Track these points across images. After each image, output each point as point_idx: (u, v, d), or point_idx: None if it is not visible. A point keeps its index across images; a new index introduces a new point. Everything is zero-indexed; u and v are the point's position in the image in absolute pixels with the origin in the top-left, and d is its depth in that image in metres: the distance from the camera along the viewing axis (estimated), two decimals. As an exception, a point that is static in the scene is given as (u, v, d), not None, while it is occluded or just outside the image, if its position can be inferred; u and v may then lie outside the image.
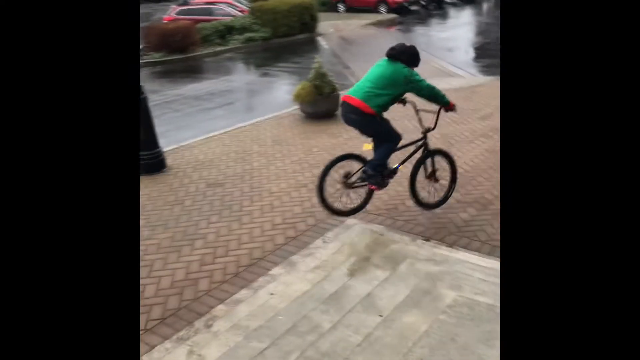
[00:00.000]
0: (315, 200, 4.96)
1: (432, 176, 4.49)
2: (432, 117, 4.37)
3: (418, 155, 4.45)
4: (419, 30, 20.14)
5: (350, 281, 3.51)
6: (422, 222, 4.42)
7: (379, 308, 3.20)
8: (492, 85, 9.43)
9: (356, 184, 4.29)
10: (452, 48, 15.12)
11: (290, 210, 4.80)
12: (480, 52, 14.67)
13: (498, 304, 3.14)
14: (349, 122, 4.13)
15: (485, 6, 28.47)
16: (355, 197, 4.40)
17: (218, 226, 4.59)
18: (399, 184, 5.22)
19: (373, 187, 4.30)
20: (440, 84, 9.07)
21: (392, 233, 4.20)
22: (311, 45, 17.10)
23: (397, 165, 4.41)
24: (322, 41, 17.77)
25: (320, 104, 7.72)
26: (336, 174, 4.25)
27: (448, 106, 4.22)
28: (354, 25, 21.19)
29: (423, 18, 23.71)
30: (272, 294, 3.44)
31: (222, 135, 7.40)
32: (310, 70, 7.94)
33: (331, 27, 20.14)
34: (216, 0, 20.11)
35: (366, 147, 5.17)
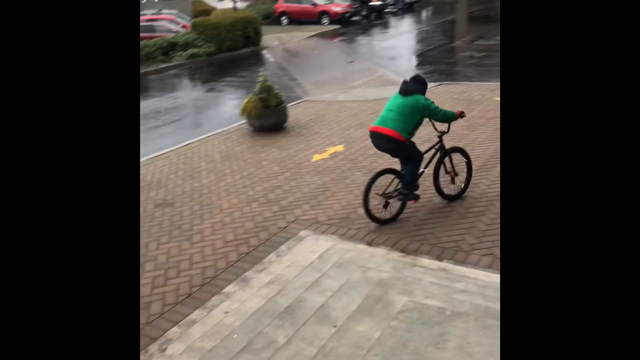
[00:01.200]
0: (267, 214, 4.96)
1: (452, 171, 4.94)
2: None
3: (437, 156, 4.87)
4: (362, 40, 20.53)
5: (304, 294, 3.53)
6: (372, 229, 4.50)
7: (333, 319, 3.22)
8: (433, 91, 9.72)
9: (393, 197, 4.65)
10: (395, 56, 15.48)
11: (242, 226, 4.77)
12: (422, 59, 15.09)
13: (447, 306, 3.23)
14: (383, 149, 4.64)
15: (424, 14, 29.34)
16: (394, 206, 4.69)
17: (168, 247, 4.51)
18: (349, 193, 5.29)
19: (412, 201, 4.70)
20: (384, 93, 9.34)
21: (344, 242, 4.25)
22: (256, 59, 17.11)
23: (422, 169, 4.72)
24: (267, 54, 17.81)
25: (267, 117, 7.73)
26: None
27: (456, 118, 4.69)
28: (297, 37, 21.35)
29: (365, 28, 24.19)
30: (226, 312, 3.41)
31: (169, 153, 7.28)
32: (256, 83, 7.95)
33: (275, 40, 20.22)
34: (158, 17, 19.83)
35: (316, 157, 5.16)
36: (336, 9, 24.91)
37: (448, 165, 4.92)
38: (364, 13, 27.40)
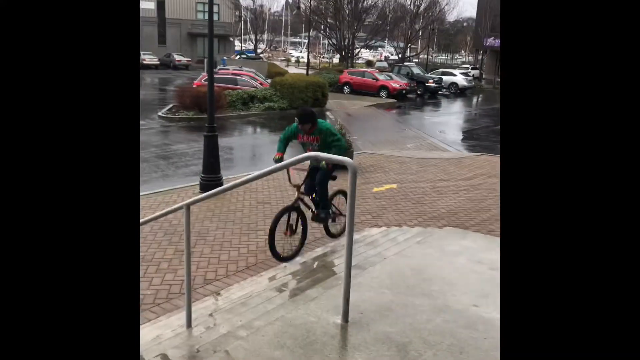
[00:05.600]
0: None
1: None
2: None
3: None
4: (415, 114, 22.84)
5: (392, 256, 5.30)
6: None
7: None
8: (474, 158, 11.65)
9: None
10: (443, 130, 17.57)
11: (322, 220, 6.64)
12: (467, 135, 17.12)
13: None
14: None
15: (474, 100, 31.69)
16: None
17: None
18: (401, 212, 7.12)
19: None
20: (433, 155, 11.33)
21: (394, 230, 6.04)
22: (321, 118, 19.49)
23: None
24: (330, 115, 20.25)
25: (338, 158, 9.77)
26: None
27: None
28: (357, 105, 23.90)
29: (419, 105, 26.64)
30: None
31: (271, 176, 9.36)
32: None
33: (337, 105, 22.77)
34: (240, 73, 22.85)
35: (375, 189, 6.73)
36: (394, 84, 27.54)
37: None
38: (419, 92, 30.00)
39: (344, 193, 5.83)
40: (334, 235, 5.80)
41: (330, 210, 5.60)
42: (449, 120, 20.91)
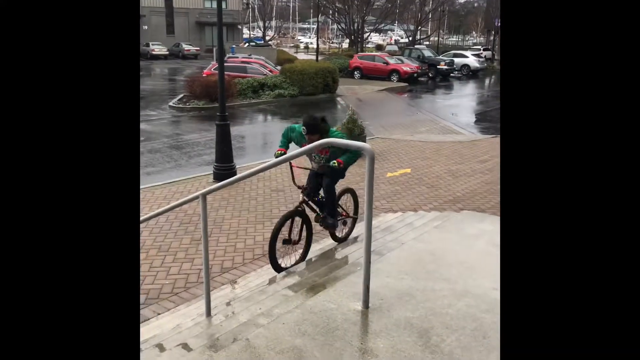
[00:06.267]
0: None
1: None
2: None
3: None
4: (427, 97, 22.61)
5: (404, 235, 5.27)
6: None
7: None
8: (489, 140, 11.49)
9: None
10: (456, 113, 17.37)
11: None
12: (481, 117, 16.91)
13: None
14: None
15: (487, 81, 31.28)
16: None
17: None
18: (416, 197, 7.06)
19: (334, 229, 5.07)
20: (446, 139, 11.19)
21: (410, 215, 6.00)
22: (332, 103, 19.41)
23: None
24: (341, 101, 20.11)
25: (351, 143, 9.74)
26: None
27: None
28: (368, 89, 23.71)
29: (430, 88, 26.36)
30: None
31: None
32: (345, 116, 9.99)
33: (348, 91, 22.61)
34: (250, 61, 22.75)
35: (389, 174, 6.48)
36: (405, 68, 27.26)
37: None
38: (430, 74, 29.68)
39: (351, 192, 5.42)
40: (340, 240, 5.26)
41: (338, 216, 5.05)
42: (461, 103, 20.66)
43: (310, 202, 4.85)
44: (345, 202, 5.40)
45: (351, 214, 5.42)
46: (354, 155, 4.48)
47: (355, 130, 9.68)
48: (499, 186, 7.18)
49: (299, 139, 4.72)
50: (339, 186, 5.11)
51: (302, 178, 5.20)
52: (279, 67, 23.42)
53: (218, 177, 7.83)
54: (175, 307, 4.23)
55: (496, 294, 3.34)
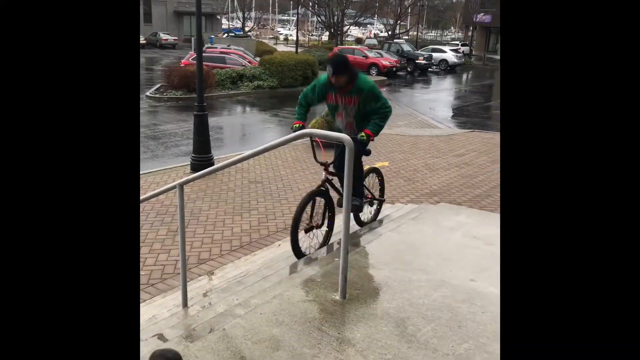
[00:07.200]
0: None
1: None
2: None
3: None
4: (405, 91, 22.72)
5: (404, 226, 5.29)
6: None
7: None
8: (465, 135, 11.63)
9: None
10: (433, 107, 17.51)
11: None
12: (458, 112, 17.08)
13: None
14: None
15: (464, 77, 31.59)
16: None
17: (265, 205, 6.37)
18: (393, 190, 7.11)
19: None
20: (424, 133, 11.28)
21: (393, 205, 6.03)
22: (311, 96, 19.36)
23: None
24: (320, 93, 20.10)
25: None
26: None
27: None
28: (348, 83, 23.70)
29: (409, 82, 26.50)
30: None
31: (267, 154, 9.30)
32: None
33: (328, 83, 22.57)
34: (229, 51, 22.52)
35: (367, 167, 6.24)
36: (385, 62, 27.35)
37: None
38: (409, 69, 29.84)
39: (377, 172, 4.95)
40: (363, 224, 4.81)
41: (364, 196, 4.57)
42: (439, 97, 20.81)
43: (334, 180, 4.31)
44: (371, 184, 4.92)
45: (377, 195, 4.99)
46: (384, 117, 4.00)
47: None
48: (476, 179, 7.21)
49: (323, 91, 4.10)
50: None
51: (324, 154, 4.52)
52: (258, 59, 23.25)
53: (195, 167, 7.75)
54: (151, 298, 4.18)
55: (472, 285, 3.39)
